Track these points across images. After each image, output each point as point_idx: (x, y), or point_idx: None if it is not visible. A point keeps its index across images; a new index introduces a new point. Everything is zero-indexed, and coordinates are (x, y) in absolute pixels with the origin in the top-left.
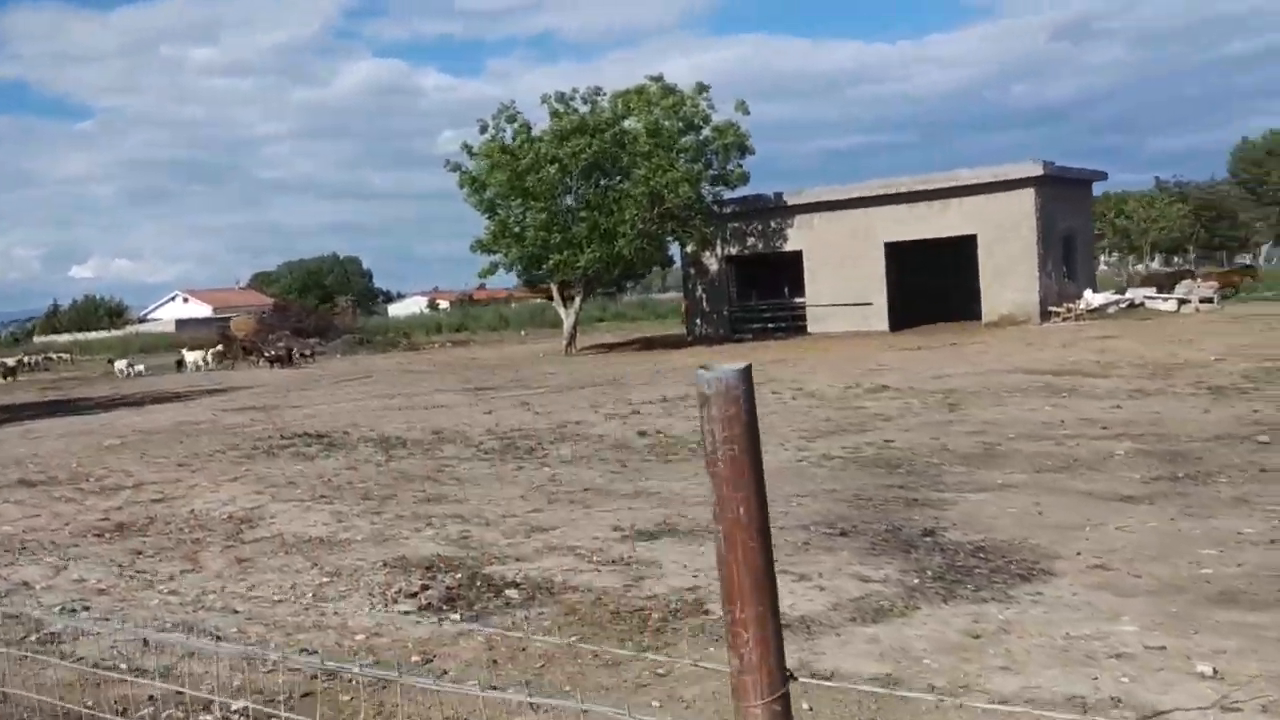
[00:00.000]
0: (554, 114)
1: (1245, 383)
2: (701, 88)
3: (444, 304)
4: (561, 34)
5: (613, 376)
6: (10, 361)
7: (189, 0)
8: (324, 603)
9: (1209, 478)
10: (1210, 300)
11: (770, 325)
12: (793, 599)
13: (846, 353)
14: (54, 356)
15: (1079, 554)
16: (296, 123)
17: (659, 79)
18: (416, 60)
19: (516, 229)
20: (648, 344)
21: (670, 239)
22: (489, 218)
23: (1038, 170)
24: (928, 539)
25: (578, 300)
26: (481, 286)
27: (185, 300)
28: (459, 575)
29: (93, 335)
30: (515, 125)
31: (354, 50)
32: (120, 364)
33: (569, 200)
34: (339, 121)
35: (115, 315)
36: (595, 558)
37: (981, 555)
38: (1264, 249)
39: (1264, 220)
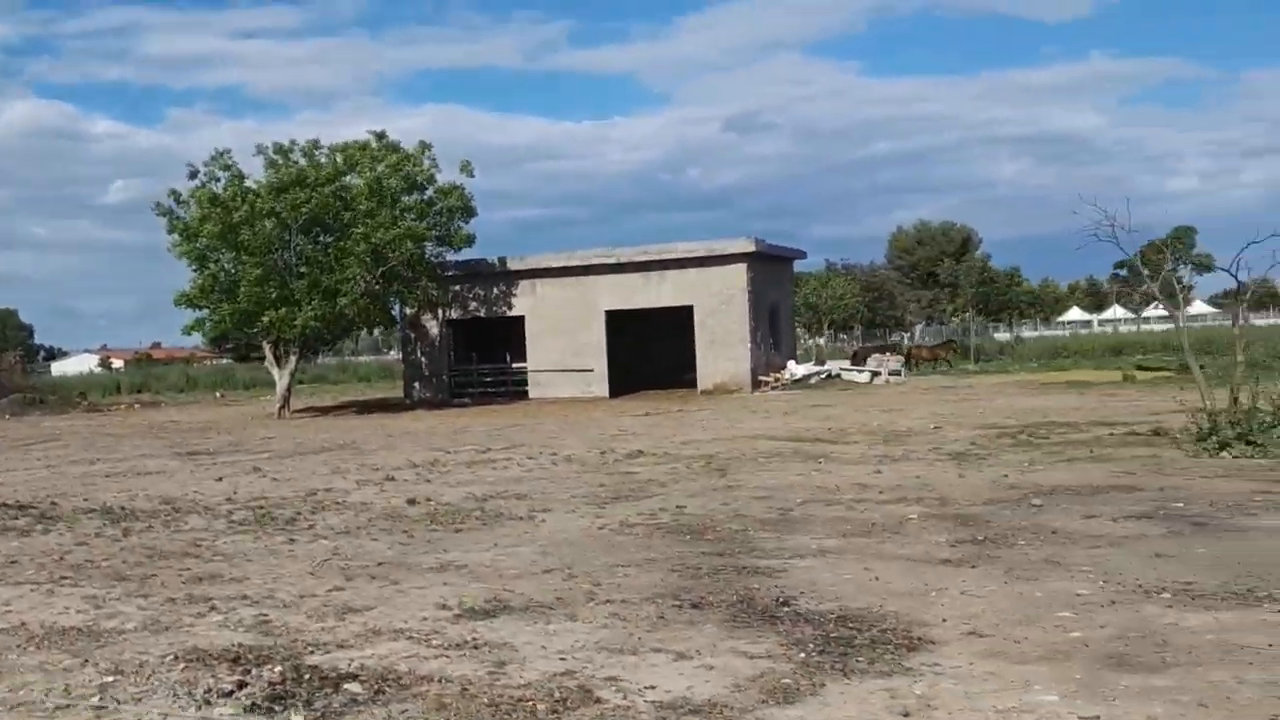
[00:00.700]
0: (271, 165)
1: (977, 449)
2: (424, 146)
3: (117, 363)
4: (250, 89)
5: (342, 441)
6: None
7: None
8: (118, 708)
9: (1007, 541)
10: (898, 373)
11: (491, 390)
12: (688, 680)
13: (579, 417)
14: None
15: (945, 620)
16: None
17: (381, 135)
18: (87, 104)
19: (228, 284)
20: (365, 408)
21: (394, 299)
22: (197, 270)
23: (750, 246)
24: (786, 608)
25: (293, 360)
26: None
27: None
28: (277, 668)
29: None
30: (229, 174)
31: (12, 89)
32: None
33: (287, 256)
34: None
35: None
36: (434, 641)
37: (851, 625)
38: (917, 328)
39: (916, 301)
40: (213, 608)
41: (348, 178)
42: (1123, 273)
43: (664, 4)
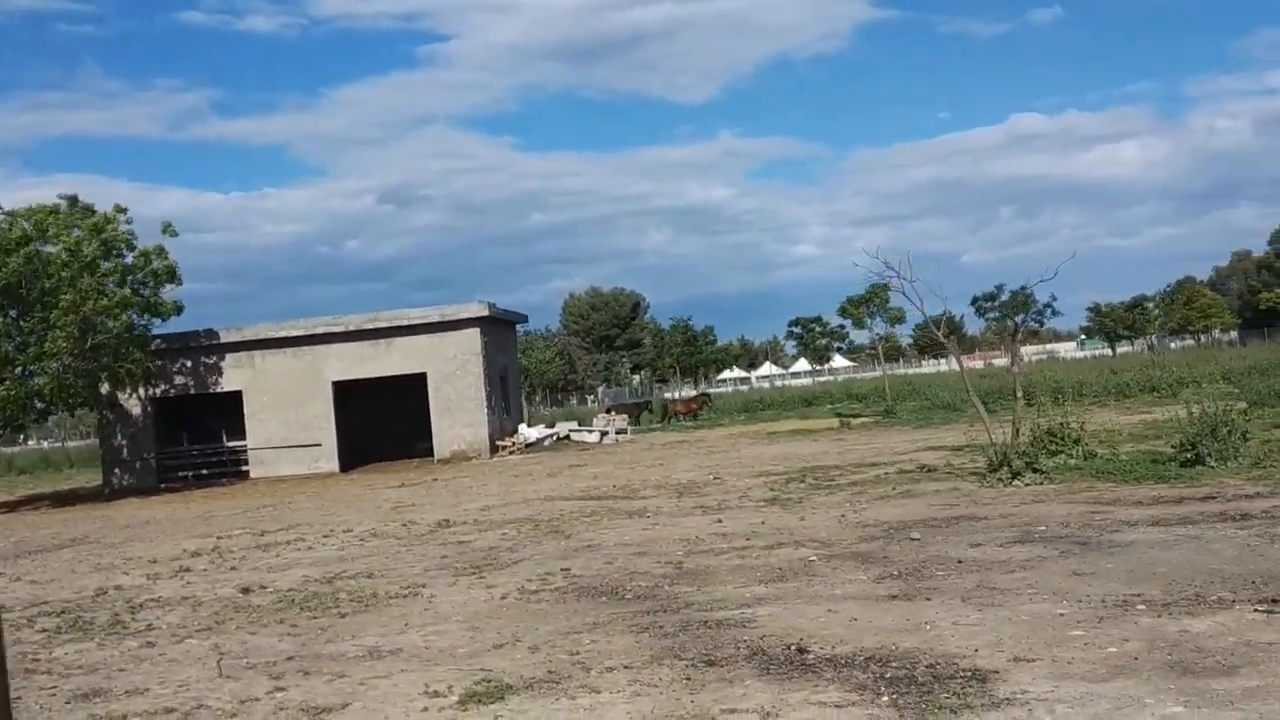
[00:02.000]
0: None
1: (784, 494)
2: (120, 209)
3: None
4: None
5: (74, 536)
6: None
7: None
8: None
9: (926, 574)
10: (624, 432)
11: (205, 472)
12: None
13: (331, 494)
14: None
15: (977, 650)
16: None
17: (74, 199)
18: None
19: None
20: (60, 500)
21: (103, 375)
22: None
23: (484, 311)
24: (806, 655)
25: None
26: None
27: None
28: None
29: None
30: None
31: None
32: None
33: None
34: None
35: None
36: None
37: (894, 665)
38: (599, 389)
39: (594, 365)
40: None
41: (35, 244)
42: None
43: (312, 77)
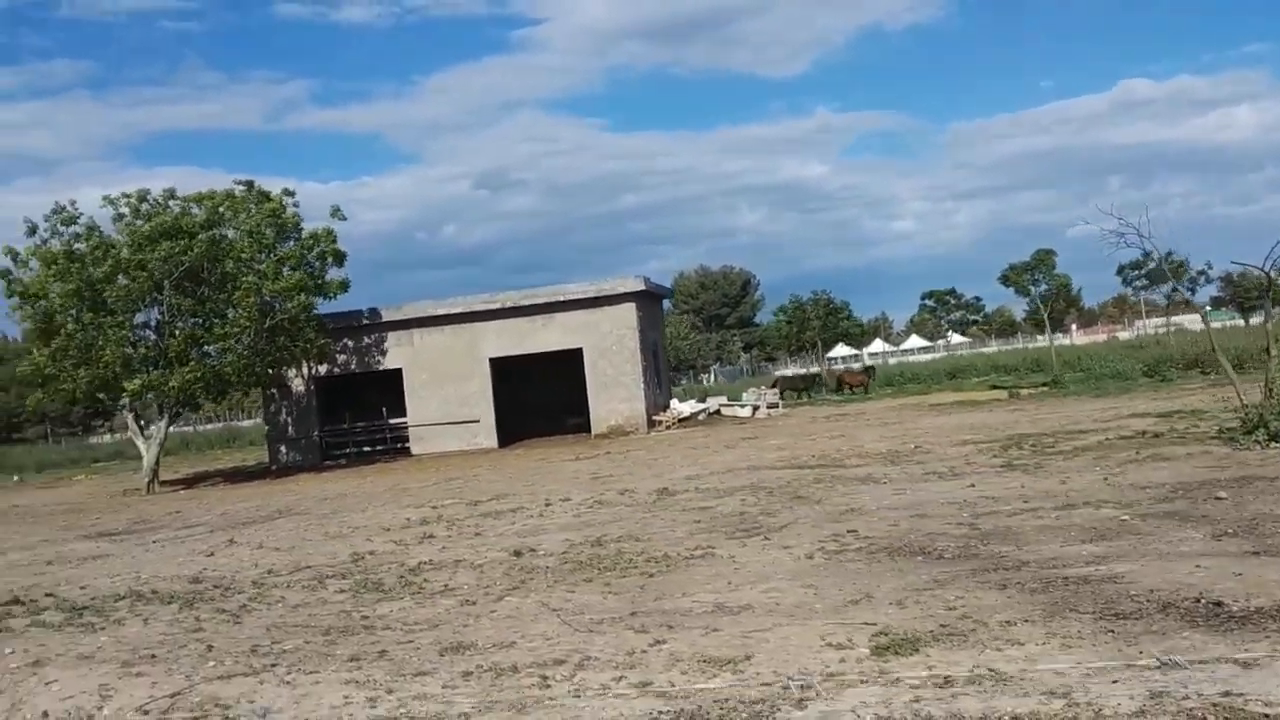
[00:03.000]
0: (135, 214)
1: (1019, 460)
2: (289, 192)
3: None
4: None
5: (278, 508)
6: None
7: None
8: None
9: (1262, 530)
10: (775, 406)
11: (366, 449)
12: None
13: (513, 467)
14: None
15: None
16: None
17: (249, 183)
18: None
19: (83, 347)
20: (231, 477)
21: (282, 355)
22: (42, 335)
23: (640, 285)
24: (1224, 608)
25: (162, 428)
26: None
27: None
28: None
29: None
30: (76, 228)
31: None
32: None
33: (158, 313)
34: None
35: None
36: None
37: None
38: (713, 368)
39: (705, 344)
40: (495, 683)
41: (215, 230)
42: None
43: (405, 65)
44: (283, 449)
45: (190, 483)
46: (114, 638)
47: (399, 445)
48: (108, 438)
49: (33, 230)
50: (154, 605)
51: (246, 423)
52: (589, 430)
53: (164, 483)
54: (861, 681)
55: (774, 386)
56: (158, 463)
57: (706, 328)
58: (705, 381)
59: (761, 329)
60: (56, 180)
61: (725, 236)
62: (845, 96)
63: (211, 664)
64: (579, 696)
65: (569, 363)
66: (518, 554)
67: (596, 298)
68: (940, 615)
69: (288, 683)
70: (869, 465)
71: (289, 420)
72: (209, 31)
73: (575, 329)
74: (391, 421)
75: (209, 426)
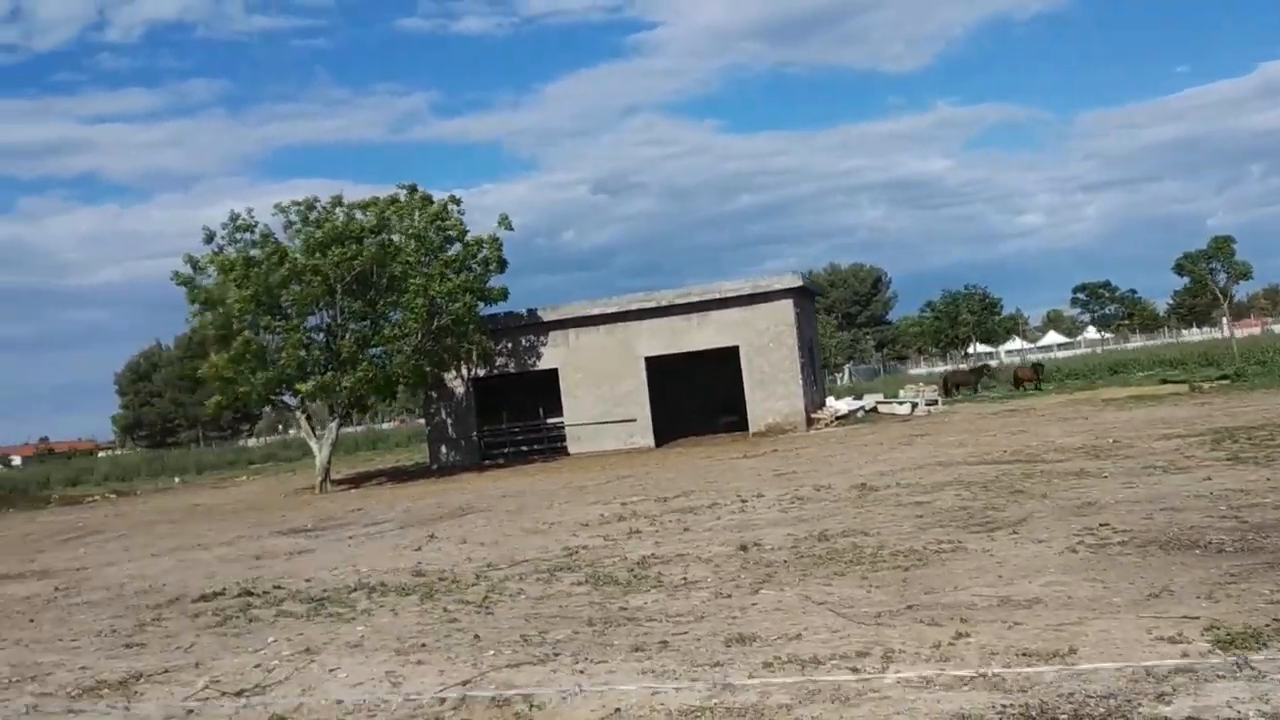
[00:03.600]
0: (304, 222)
1: (1239, 454)
2: (454, 199)
3: (15, 459)
4: (105, 175)
5: (458, 505)
6: None
7: None
8: None
9: None
10: (935, 403)
11: (525, 448)
12: None
13: (680, 465)
14: None
15: None
16: None
17: (413, 188)
18: None
19: (259, 351)
20: (397, 476)
21: (447, 356)
22: (220, 340)
23: (797, 281)
24: None
25: (334, 429)
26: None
27: None
28: None
29: None
30: (253, 235)
31: None
32: None
33: (331, 316)
34: None
35: None
36: None
37: None
38: (847, 366)
39: (837, 343)
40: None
41: (383, 234)
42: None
43: (523, 73)
44: (443, 449)
45: (356, 482)
46: (371, 627)
47: (556, 445)
48: (252, 441)
49: (210, 238)
50: (390, 597)
51: (387, 425)
52: (743, 429)
53: (334, 482)
54: (1219, 676)
55: (943, 381)
56: (329, 462)
57: (837, 326)
58: (839, 381)
59: (896, 326)
60: (194, 195)
61: (844, 235)
62: (967, 90)
63: (491, 653)
64: (904, 688)
65: (722, 361)
66: (744, 548)
67: (753, 295)
68: (1266, 609)
69: (581, 671)
70: (1071, 460)
71: (448, 421)
72: (336, 48)
73: (731, 327)
74: (549, 421)
75: (352, 430)
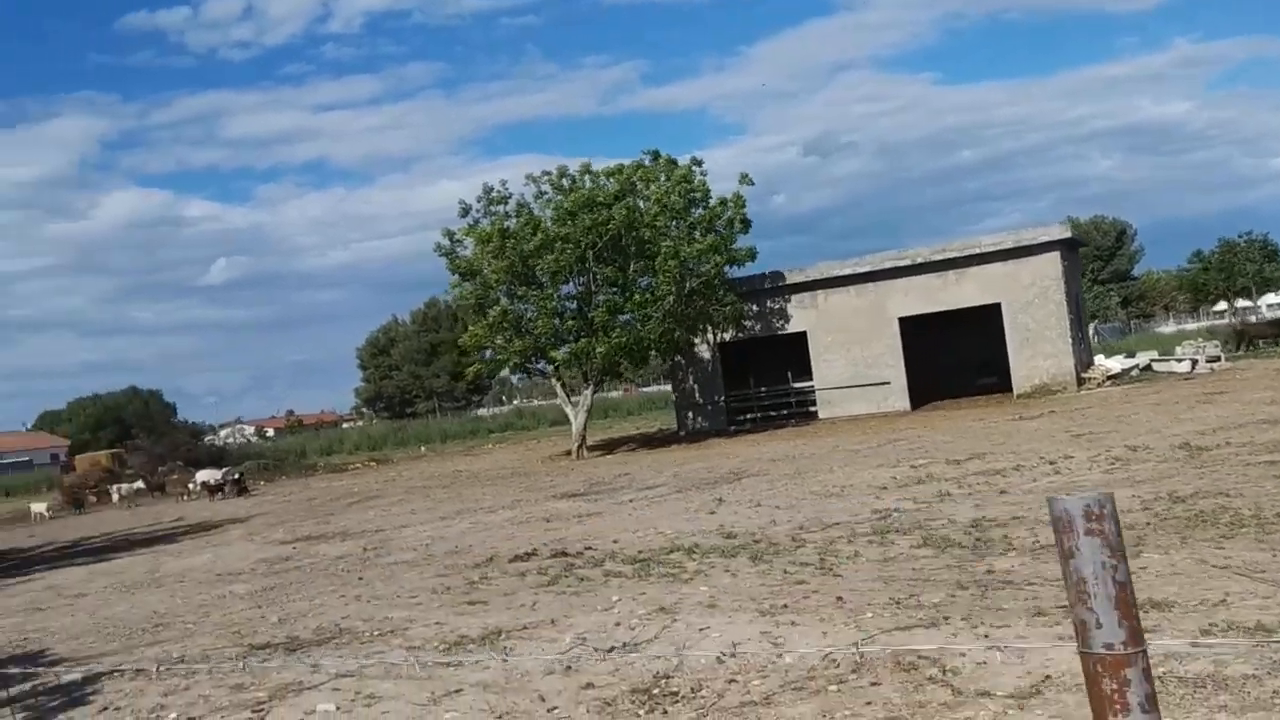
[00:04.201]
0: (556, 190)
1: None
2: (696, 161)
3: (269, 431)
4: (332, 160)
5: (730, 471)
6: None
7: None
8: None
9: None
10: (1217, 359)
11: (772, 414)
12: None
13: (952, 428)
14: None
15: None
16: (53, 258)
17: (655, 153)
18: (181, 189)
19: (515, 319)
20: (646, 442)
21: (699, 320)
22: (477, 309)
23: (1065, 233)
24: None
25: (588, 395)
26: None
27: None
28: None
29: None
30: (507, 206)
31: (113, 182)
32: None
33: (584, 282)
34: (101, 255)
35: None
36: None
37: None
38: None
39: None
40: None
41: (629, 199)
42: None
43: (729, 36)
44: (689, 415)
45: (608, 448)
46: (714, 588)
47: (804, 410)
48: (483, 411)
49: (465, 211)
50: (715, 558)
51: (614, 394)
52: (1004, 390)
53: (588, 449)
54: None
55: (1231, 335)
56: (585, 428)
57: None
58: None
59: (1142, 281)
60: (414, 176)
61: (1073, 187)
62: (1209, 25)
63: (868, 615)
64: None
65: (978, 319)
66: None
67: (1015, 248)
68: None
69: (984, 635)
70: None
71: (695, 387)
72: (545, 24)
73: (992, 283)
74: (796, 385)
75: (550, 401)
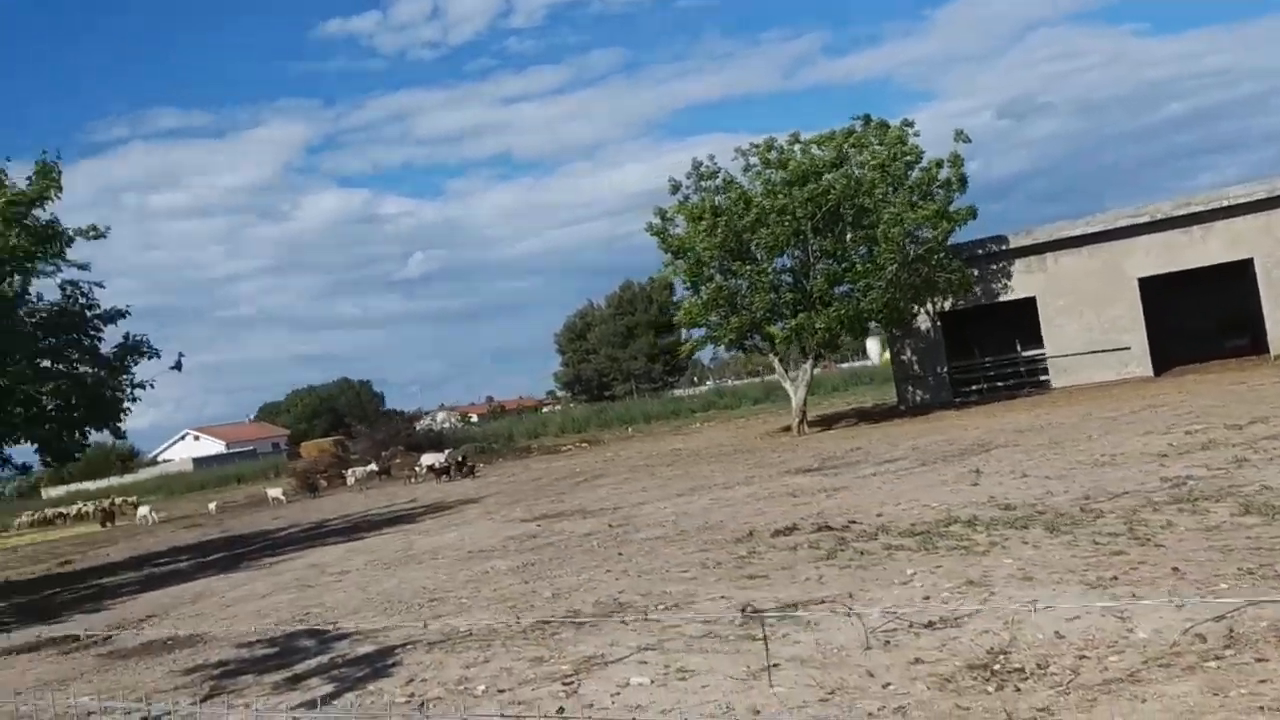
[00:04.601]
0: (765, 163)
1: None
2: (908, 123)
3: (473, 417)
4: (517, 152)
5: (971, 442)
6: (105, 505)
7: (147, 150)
8: None
9: None
10: None
11: (999, 384)
12: None
13: (1216, 396)
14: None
15: None
16: (264, 259)
17: (867, 118)
18: (378, 188)
19: (730, 295)
20: (863, 416)
21: (923, 287)
22: (691, 286)
23: None
24: None
25: (807, 370)
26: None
27: (196, 438)
28: None
29: (103, 483)
30: (717, 181)
31: (316, 184)
32: (143, 510)
33: (801, 255)
34: (306, 254)
35: (126, 460)
36: None
37: None
38: None
39: None
40: None
41: (846, 167)
42: None
43: (914, 1)
44: (910, 388)
45: (826, 424)
46: (1018, 559)
47: (1034, 379)
48: (678, 392)
49: (675, 188)
50: (1003, 530)
51: (815, 371)
52: (1257, 352)
53: (808, 424)
54: None
55: None
56: (805, 404)
57: None
58: None
59: None
60: (599, 163)
61: None
62: None
63: (1224, 585)
64: None
65: (1222, 277)
66: None
67: (1269, 199)
68: None
69: None
70: None
71: (914, 359)
72: (723, 2)
73: (1243, 237)
74: (1025, 354)
75: (748, 381)
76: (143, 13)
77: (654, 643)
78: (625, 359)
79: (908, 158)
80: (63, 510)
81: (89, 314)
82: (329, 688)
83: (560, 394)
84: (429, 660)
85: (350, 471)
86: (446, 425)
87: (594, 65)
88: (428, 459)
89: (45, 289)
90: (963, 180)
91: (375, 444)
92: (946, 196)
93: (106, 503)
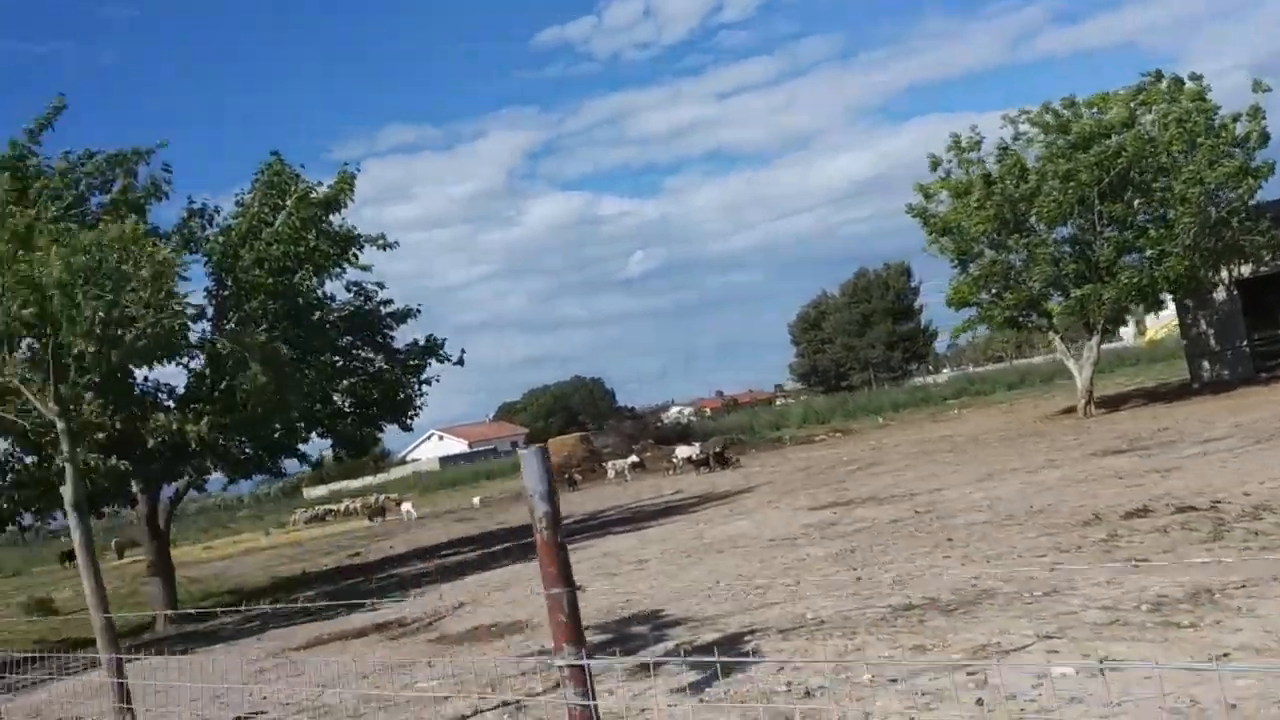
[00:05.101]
0: (1045, 129)
1: None
2: (1195, 76)
3: (707, 410)
4: (732, 147)
5: None
6: (373, 501)
7: (383, 165)
8: None
9: None
10: None
11: None
12: None
13: None
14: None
15: None
16: (493, 265)
17: (1158, 74)
18: (597, 189)
19: (1004, 270)
20: (1152, 396)
21: (1226, 251)
22: (959, 264)
23: None
24: None
25: (1093, 346)
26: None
27: (440, 438)
28: None
29: (359, 482)
30: (979, 153)
31: (536, 189)
32: (406, 506)
33: (1086, 223)
34: (531, 258)
35: (379, 460)
36: None
37: None
38: None
39: None
40: None
41: (1138, 127)
42: None
43: None
44: (1204, 363)
45: (1112, 405)
46: None
47: None
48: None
49: (935, 165)
50: None
51: (1036, 359)
52: None
53: (1096, 405)
54: None
55: None
56: (1091, 383)
57: None
58: None
59: None
60: (814, 152)
61: None
62: None
63: None
64: None
65: None
66: None
67: None
68: None
69: None
70: None
71: (1208, 331)
72: None
73: None
74: None
75: (993, 367)
76: (377, 40)
77: (1054, 630)
78: (862, 347)
79: (1206, 113)
80: (332, 507)
81: (383, 311)
82: (692, 675)
83: (792, 385)
84: (789, 648)
85: (610, 464)
86: (684, 419)
87: (807, 53)
88: (683, 451)
89: (333, 289)
90: (1264, 135)
91: (624, 438)
92: (1246, 153)
93: (374, 500)
